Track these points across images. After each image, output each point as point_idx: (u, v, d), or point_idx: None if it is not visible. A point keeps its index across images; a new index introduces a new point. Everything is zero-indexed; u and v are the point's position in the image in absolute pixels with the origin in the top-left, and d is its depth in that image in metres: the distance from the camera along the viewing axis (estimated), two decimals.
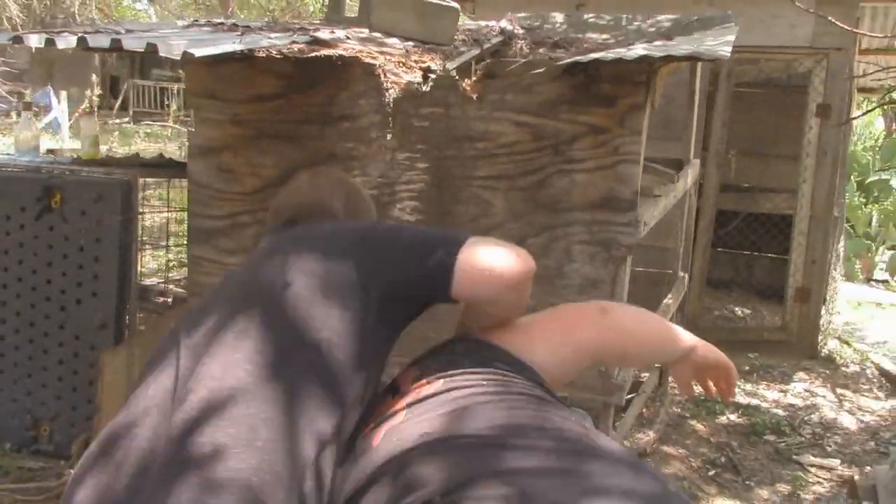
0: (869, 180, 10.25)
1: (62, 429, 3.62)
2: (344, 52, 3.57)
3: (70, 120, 14.64)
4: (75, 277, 3.56)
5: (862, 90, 7.88)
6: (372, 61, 3.47)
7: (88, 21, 18.12)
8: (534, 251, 3.27)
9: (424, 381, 1.57)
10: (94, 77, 15.27)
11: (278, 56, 3.49)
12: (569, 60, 3.02)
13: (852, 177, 8.97)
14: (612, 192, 3.19)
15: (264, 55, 3.50)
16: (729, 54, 2.71)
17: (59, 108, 15.40)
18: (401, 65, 3.65)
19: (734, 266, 7.51)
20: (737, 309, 6.78)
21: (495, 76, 3.27)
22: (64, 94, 15.80)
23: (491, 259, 1.65)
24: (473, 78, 3.31)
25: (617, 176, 3.18)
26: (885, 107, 8.97)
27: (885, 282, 8.76)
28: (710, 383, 1.99)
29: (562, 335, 1.78)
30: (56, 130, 14.81)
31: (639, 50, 2.96)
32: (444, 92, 3.36)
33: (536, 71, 3.13)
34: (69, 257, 3.60)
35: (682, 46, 2.97)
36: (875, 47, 6.75)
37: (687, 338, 1.93)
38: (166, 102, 18.94)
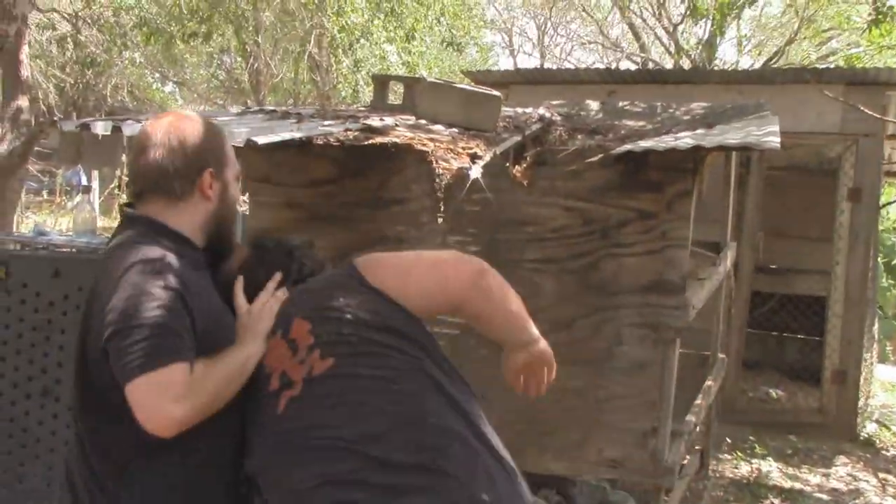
0: (895, 262, 10.27)
1: None
2: (397, 140, 3.70)
3: (100, 198, 14.90)
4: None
5: (889, 174, 7.97)
6: (423, 148, 3.59)
7: (119, 103, 18.59)
8: (584, 332, 3.36)
9: (318, 351, 1.80)
10: (123, 157, 15.56)
11: (335, 143, 3.63)
12: (622, 149, 3.12)
13: (878, 259, 8.99)
14: (662, 275, 3.25)
15: (321, 142, 3.64)
16: (779, 145, 2.80)
17: (92, 185, 15.67)
18: (449, 151, 3.78)
19: (764, 347, 7.49)
20: (770, 390, 6.75)
21: (545, 163, 3.38)
22: (96, 173, 16.09)
23: None
24: (524, 164, 3.41)
25: (666, 260, 3.24)
26: None
27: None
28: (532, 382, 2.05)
29: (438, 285, 1.95)
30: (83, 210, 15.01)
31: (689, 140, 3.06)
32: (494, 177, 3.47)
33: (591, 160, 3.22)
34: None
35: (730, 137, 3.07)
36: None
37: (534, 330, 2.05)
38: None
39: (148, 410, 1.69)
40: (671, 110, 4.30)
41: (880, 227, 11.07)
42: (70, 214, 14.40)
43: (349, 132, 3.76)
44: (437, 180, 3.56)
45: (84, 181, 16.12)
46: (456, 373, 1.95)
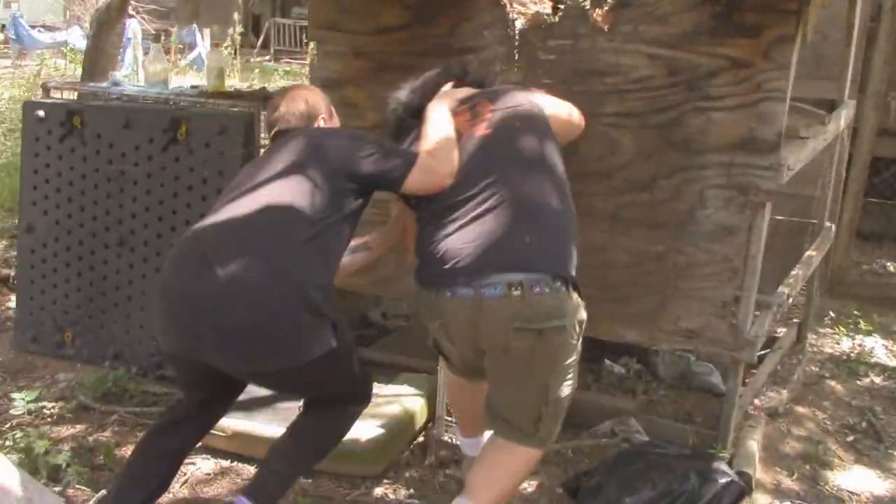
0: None
1: None
2: None
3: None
4: (199, 209, 3.59)
5: None
6: None
7: None
8: (665, 194, 3.11)
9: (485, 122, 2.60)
10: (236, 15, 15.55)
11: None
12: None
13: None
14: (753, 132, 2.94)
15: None
16: None
17: (203, 45, 15.85)
18: None
19: (888, 217, 6.97)
20: (889, 264, 6.29)
21: (629, 5, 3.05)
22: (207, 31, 16.24)
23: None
24: (605, 7, 3.09)
25: (759, 115, 2.92)
26: None
27: None
28: None
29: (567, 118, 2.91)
30: (200, 67, 15.26)
31: None
32: (573, 22, 3.17)
33: None
34: (193, 189, 3.65)
35: None
36: None
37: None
38: (306, 41, 19.20)
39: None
40: None
41: None
42: (185, 72, 14.68)
43: None
44: (511, 26, 3.29)
45: (199, 40, 16.35)
46: None
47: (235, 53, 13.71)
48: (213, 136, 3.60)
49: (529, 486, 3.04)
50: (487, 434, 2.70)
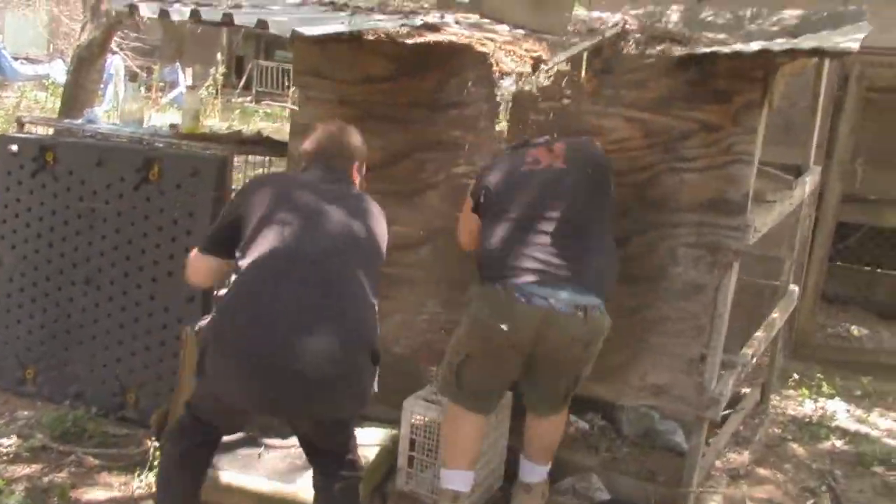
0: None
1: (148, 397, 3.69)
2: (455, 39, 3.51)
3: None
4: (168, 249, 3.62)
5: None
6: (483, 49, 3.39)
7: None
8: (639, 249, 3.18)
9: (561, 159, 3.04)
10: (219, 56, 15.69)
11: (386, 39, 3.46)
12: (683, 52, 2.89)
13: None
14: (723, 193, 3.03)
15: (372, 37, 3.48)
16: (856, 48, 2.51)
17: (185, 84, 15.92)
18: (511, 53, 3.57)
19: (854, 282, 7.10)
20: (853, 328, 6.40)
21: (611, 71, 3.16)
22: (189, 70, 16.33)
23: None
24: (590, 72, 3.20)
25: (728, 177, 3.02)
26: None
27: None
28: None
29: None
30: (181, 105, 15.33)
31: (756, 44, 2.79)
32: (558, 84, 3.27)
33: (649, 60, 3.02)
34: (163, 229, 3.65)
35: (806, 40, 2.79)
36: None
37: None
38: (287, 84, 19.34)
39: None
40: (759, 21, 3.96)
41: None
42: (165, 110, 14.72)
43: (404, 27, 3.59)
44: (497, 84, 3.38)
45: (181, 79, 16.43)
46: None
47: (217, 93, 13.78)
48: (185, 178, 3.61)
49: None
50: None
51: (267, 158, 4.12)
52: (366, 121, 3.59)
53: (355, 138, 2.87)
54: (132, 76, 4.92)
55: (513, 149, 3.20)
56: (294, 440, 3.41)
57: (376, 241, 2.64)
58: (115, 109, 12.91)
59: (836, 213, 5.60)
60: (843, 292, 6.94)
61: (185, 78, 16.30)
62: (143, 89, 15.93)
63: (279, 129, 12.83)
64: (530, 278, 2.77)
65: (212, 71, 14.13)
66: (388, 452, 3.32)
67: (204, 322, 2.71)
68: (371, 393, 2.51)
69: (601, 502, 3.20)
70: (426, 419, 3.21)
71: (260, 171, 4.17)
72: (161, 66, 17.09)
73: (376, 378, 2.53)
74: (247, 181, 3.06)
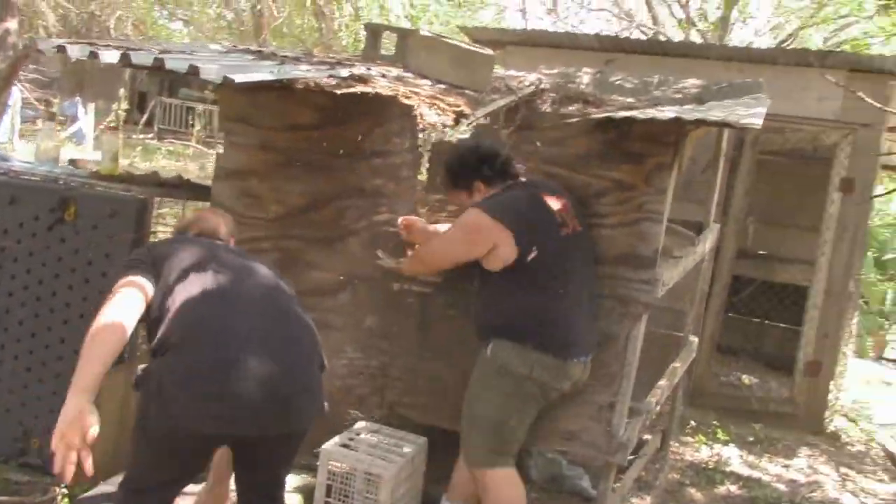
0: (886, 257, 10.23)
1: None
2: (382, 91, 3.62)
3: (95, 132, 14.81)
4: (81, 292, 3.55)
5: (886, 167, 7.88)
6: (408, 101, 3.51)
7: (123, 37, 18.39)
8: None
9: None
10: (122, 91, 15.42)
11: (315, 89, 3.54)
12: (603, 115, 3.06)
13: (870, 253, 8.95)
14: (634, 248, 3.20)
15: (301, 86, 3.55)
16: (760, 125, 2.74)
17: (86, 119, 15.57)
18: (434, 106, 3.70)
19: (744, 333, 7.46)
20: (744, 377, 6.73)
21: (531, 127, 3.32)
22: (91, 105, 15.98)
23: None
24: (511, 127, 3.35)
25: (639, 233, 3.20)
26: None
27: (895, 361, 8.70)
28: None
29: None
30: (80, 141, 14.96)
31: (671, 112, 2.99)
32: (478, 138, 3.40)
33: (571, 120, 3.17)
34: (77, 271, 3.58)
35: (713, 112, 3.00)
36: None
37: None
38: (191, 122, 19.12)
39: None
40: (663, 88, 4.21)
41: (875, 222, 11.09)
42: (64, 144, 14.33)
43: (332, 78, 3.68)
44: (420, 136, 3.50)
45: (81, 113, 16.05)
46: None
47: (118, 129, 13.52)
48: (102, 219, 3.56)
49: None
50: None
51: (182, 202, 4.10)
52: (289, 167, 3.66)
53: (231, 223, 3.06)
54: (49, 115, 4.82)
55: (511, 185, 3.22)
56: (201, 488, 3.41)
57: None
58: (10, 142, 12.52)
59: (731, 267, 5.92)
60: (735, 343, 7.30)
61: (85, 112, 15.94)
62: (40, 122, 15.54)
63: (183, 168, 12.69)
64: (579, 348, 3.10)
65: (114, 106, 13.88)
66: (307, 499, 3.32)
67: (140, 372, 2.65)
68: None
69: None
70: (343, 466, 3.24)
71: (176, 209, 4.14)
72: (61, 99, 16.68)
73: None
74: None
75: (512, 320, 3.05)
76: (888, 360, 8.86)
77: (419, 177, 3.49)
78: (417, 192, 3.54)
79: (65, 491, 3.24)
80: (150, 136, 19.06)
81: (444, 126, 3.59)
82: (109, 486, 3.09)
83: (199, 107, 19.66)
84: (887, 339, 9.10)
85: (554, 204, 3.10)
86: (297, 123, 3.64)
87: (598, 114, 3.41)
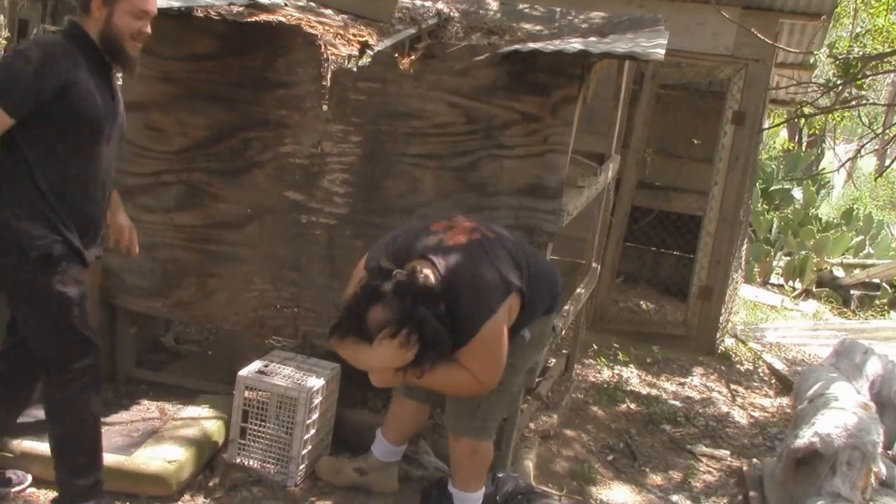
0: (772, 189, 10.70)
1: None
2: (284, 19, 3.56)
3: None
4: None
5: (774, 101, 8.19)
6: (312, 31, 3.47)
7: None
8: None
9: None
10: (0, 18, 14.58)
11: (216, 17, 3.46)
12: (510, 48, 3.09)
13: (757, 184, 9.34)
14: (540, 179, 3.28)
15: (202, 15, 3.47)
16: (663, 56, 2.83)
17: None
18: (339, 37, 3.66)
19: (642, 261, 7.74)
20: (641, 302, 7.01)
21: (434, 57, 3.32)
22: None
23: None
24: (413, 56, 3.34)
25: (545, 164, 3.27)
26: (797, 119, 9.37)
27: (780, 286, 9.17)
28: None
29: None
30: None
31: (577, 45, 3.04)
32: (382, 68, 3.39)
33: (479, 58, 3.18)
34: None
35: (618, 45, 3.07)
36: (790, 62, 7.04)
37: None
38: None
39: None
40: (570, 17, 4.27)
41: (762, 155, 11.55)
42: None
43: (233, 6, 3.60)
44: (324, 66, 3.46)
45: None
46: None
47: None
48: None
49: None
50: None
51: None
52: (191, 99, 3.58)
53: None
54: None
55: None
56: (124, 416, 3.43)
57: None
58: None
59: (631, 198, 6.10)
60: (633, 271, 7.57)
61: None
62: None
63: None
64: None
65: None
66: (224, 424, 3.36)
67: None
68: None
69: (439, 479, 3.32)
70: (259, 392, 3.28)
71: None
72: None
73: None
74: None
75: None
76: (773, 285, 9.33)
77: (323, 107, 3.46)
78: (321, 123, 3.52)
79: None
80: None
81: (350, 57, 3.57)
82: None
83: None
84: (773, 266, 9.57)
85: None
86: (197, 53, 3.55)
87: (504, 45, 3.45)
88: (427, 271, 2.59)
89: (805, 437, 3.13)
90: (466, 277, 2.64)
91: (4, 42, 13.98)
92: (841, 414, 3.15)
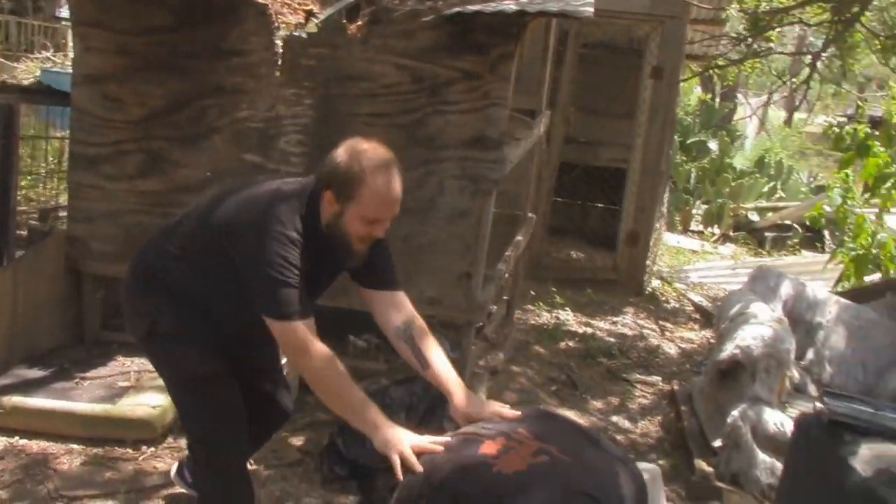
0: (689, 141, 11.24)
1: None
2: None
3: None
4: None
5: (689, 56, 8.62)
6: (262, 0, 3.67)
7: None
8: (410, 184, 3.64)
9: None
10: None
11: None
12: (453, 11, 3.35)
13: (676, 137, 9.82)
14: (482, 132, 3.57)
15: None
16: (592, 13, 3.13)
17: None
18: (286, 6, 3.88)
19: (569, 214, 8.12)
20: (572, 252, 7.40)
21: (380, 21, 3.56)
22: None
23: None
24: (360, 22, 3.59)
25: (487, 118, 3.56)
26: (709, 71, 9.86)
27: (700, 232, 9.71)
28: None
29: None
30: None
31: (513, 6, 3.33)
32: (332, 34, 3.63)
33: (425, 19, 3.44)
34: None
35: (551, 4, 3.36)
36: (703, 17, 7.46)
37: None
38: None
39: None
40: None
41: (681, 111, 12.06)
42: None
43: None
44: (275, 33, 3.67)
45: None
46: None
47: None
48: None
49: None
50: None
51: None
52: (147, 70, 3.75)
53: None
54: None
55: None
56: (102, 371, 3.61)
57: None
58: None
59: (559, 153, 6.45)
60: (562, 224, 7.95)
61: None
62: None
63: None
64: None
65: None
66: None
67: None
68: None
69: None
70: None
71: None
72: None
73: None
74: None
75: None
76: (694, 231, 9.87)
77: (276, 73, 3.68)
78: (275, 88, 3.73)
79: None
80: None
81: (298, 24, 3.79)
82: None
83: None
84: (693, 214, 10.10)
85: None
86: (151, 26, 3.72)
87: (444, 8, 3.71)
88: None
89: (728, 349, 3.52)
90: None
91: None
92: (758, 328, 3.54)
